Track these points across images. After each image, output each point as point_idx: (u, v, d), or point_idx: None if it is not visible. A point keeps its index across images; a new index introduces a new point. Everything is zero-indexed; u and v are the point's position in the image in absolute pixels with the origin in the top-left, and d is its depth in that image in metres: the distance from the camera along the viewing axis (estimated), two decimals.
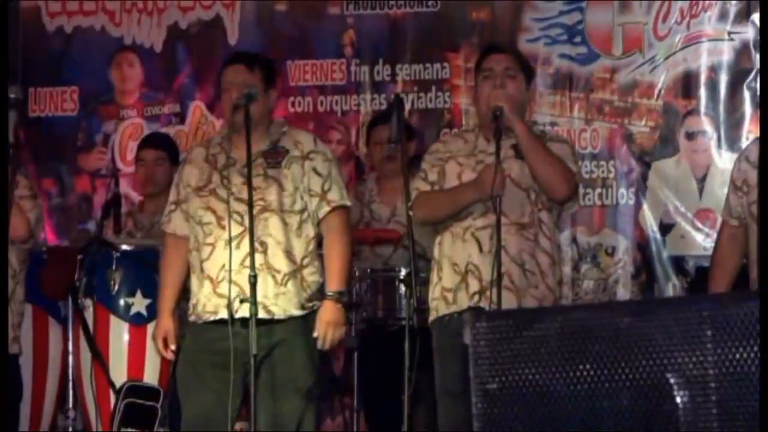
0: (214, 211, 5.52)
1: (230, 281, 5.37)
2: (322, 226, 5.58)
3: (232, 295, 5.38)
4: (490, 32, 7.55)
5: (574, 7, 7.71)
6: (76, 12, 8.21)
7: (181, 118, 8.06)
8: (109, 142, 8.15)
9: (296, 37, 8.01)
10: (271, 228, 5.46)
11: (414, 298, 5.64)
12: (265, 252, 5.43)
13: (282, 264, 5.45)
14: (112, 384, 6.40)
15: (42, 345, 6.76)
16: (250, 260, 5.25)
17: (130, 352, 6.42)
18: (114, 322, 6.44)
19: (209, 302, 5.47)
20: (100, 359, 6.42)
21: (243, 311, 5.34)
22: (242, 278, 5.34)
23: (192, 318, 5.59)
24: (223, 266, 5.43)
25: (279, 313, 5.43)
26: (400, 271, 6.14)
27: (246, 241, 5.34)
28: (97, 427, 6.49)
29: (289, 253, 5.46)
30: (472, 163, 5.46)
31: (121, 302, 6.42)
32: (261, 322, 5.32)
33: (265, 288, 5.40)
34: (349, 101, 7.93)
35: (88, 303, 6.47)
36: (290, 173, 5.53)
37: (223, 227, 5.47)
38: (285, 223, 5.48)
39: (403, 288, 6.09)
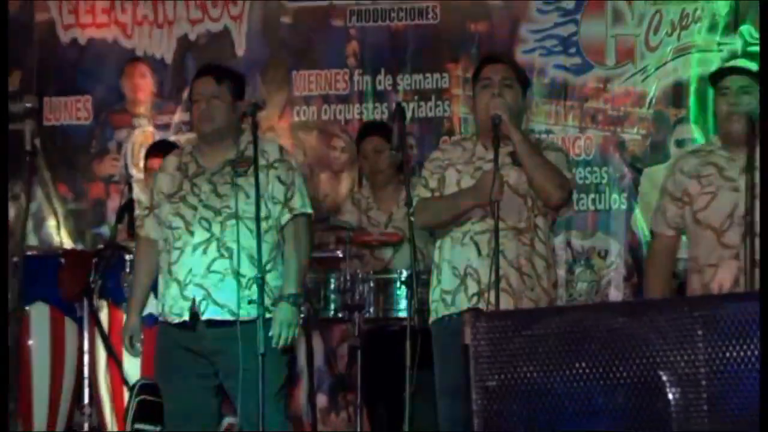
0: (182, 217, 5.50)
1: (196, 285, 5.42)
2: (283, 231, 5.56)
3: (198, 298, 5.41)
4: (487, 43, 7.51)
5: (569, 19, 7.67)
6: (90, 24, 8.18)
7: (191, 126, 8.03)
8: (122, 150, 8.11)
9: (301, 48, 7.97)
10: (238, 234, 5.44)
11: (415, 299, 5.63)
12: (230, 257, 5.43)
13: (247, 269, 5.43)
14: (125, 382, 6.42)
15: (59, 344, 6.75)
16: (258, 262, 5.25)
17: (143, 351, 6.40)
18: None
19: (176, 305, 5.47)
20: (115, 358, 6.43)
21: (208, 313, 5.40)
22: (208, 282, 5.39)
23: (160, 318, 5.61)
24: (190, 270, 5.44)
25: (244, 314, 5.39)
26: (401, 273, 6.09)
27: (212, 246, 5.40)
28: (112, 423, 6.50)
29: (253, 258, 5.41)
30: (470, 170, 5.42)
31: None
32: (225, 323, 5.38)
33: (231, 291, 5.40)
34: (352, 110, 7.88)
35: (103, 304, 6.49)
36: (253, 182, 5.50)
37: (191, 233, 5.46)
38: (250, 230, 5.43)
39: (403, 289, 6.10)
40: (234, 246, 5.42)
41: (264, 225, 5.45)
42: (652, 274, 5.52)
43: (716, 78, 5.38)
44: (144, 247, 5.77)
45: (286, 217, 5.54)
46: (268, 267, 5.45)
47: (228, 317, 5.40)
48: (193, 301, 5.42)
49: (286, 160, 5.63)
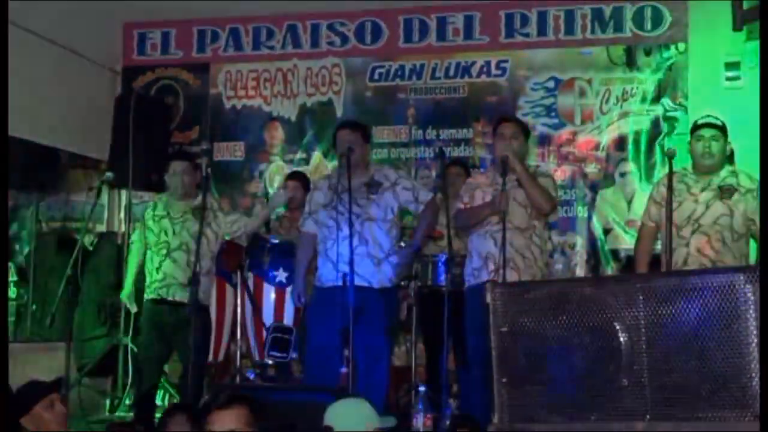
0: (334, 219, 5.47)
1: None
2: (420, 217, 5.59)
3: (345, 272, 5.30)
4: (498, 110, 7.43)
5: (550, 94, 7.61)
6: (243, 96, 8.17)
7: (307, 161, 8.04)
8: (262, 177, 8.10)
9: (378, 111, 7.92)
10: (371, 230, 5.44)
11: (450, 273, 5.59)
12: (366, 245, 5.41)
13: (377, 252, 5.42)
14: (264, 324, 6.40)
15: (221, 301, 6.68)
16: (349, 245, 5.22)
17: (275, 304, 6.41)
18: (265, 286, 6.42)
19: (329, 276, 5.44)
20: (257, 309, 6.41)
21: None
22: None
23: (317, 284, 5.55)
24: (340, 253, 5.36)
25: (375, 283, 5.39)
26: (442, 256, 6.05)
27: (355, 238, 5.29)
28: (255, 351, 6.49)
29: (380, 245, 5.42)
30: (490, 190, 5.42)
31: (270, 274, 6.39)
32: (363, 289, 5.30)
33: (367, 267, 5.37)
34: (410, 152, 7.85)
35: (249, 275, 6.46)
36: (383, 198, 5.48)
37: (341, 229, 5.39)
38: (378, 227, 5.43)
39: (443, 267, 6.07)
40: (369, 237, 5.42)
41: (390, 224, 5.47)
42: (638, 252, 5.46)
43: (694, 128, 5.32)
44: (304, 237, 5.72)
45: (420, 207, 5.55)
46: (390, 252, 5.46)
47: (365, 284, 5.36)
48: (344, 273, 5.31)
49: (402, 176, 5.65)
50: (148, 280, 6.04)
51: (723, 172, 5.20)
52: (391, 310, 5.42)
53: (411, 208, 5.57)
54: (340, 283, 5.28)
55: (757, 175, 5.01)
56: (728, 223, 5.08)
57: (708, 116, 5.31)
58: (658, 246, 5.45)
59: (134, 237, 6.34)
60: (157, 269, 5.95)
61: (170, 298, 5.90)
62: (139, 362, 6.13)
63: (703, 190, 5.15)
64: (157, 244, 5.99)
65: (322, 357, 5.36)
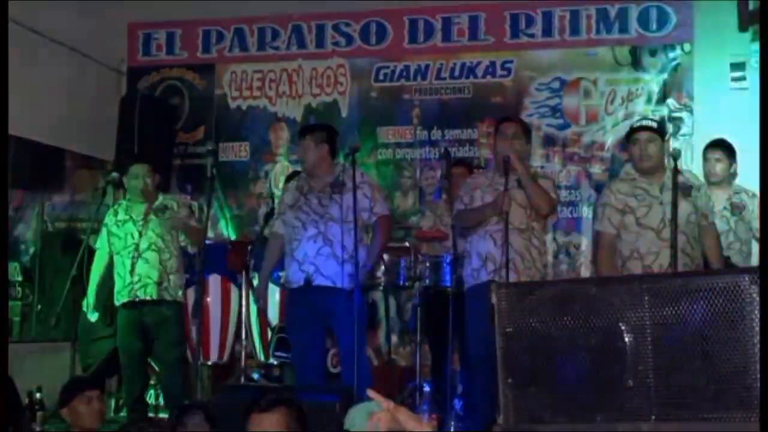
0: (300, 219, 5.50)
1: None
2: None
3: (311, 271, 5.36)
4: (503, 110, 7.41)
5: (555, 95, 7.60)
6: (248, 96, 8.17)
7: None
8: (268, 177, 8.10)
9: (383, 112, 7.92)
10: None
11: (455, 274, 5.60)
12: (331, 245, 5.39)
13: (340, 253, 5.40)
14: (269, 324, 6.41)
15: (226, 301, 6.74)
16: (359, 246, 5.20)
17: (280, 305, 6.41)
18: (270, 286, 6.39)
19: (295, 276, 5.49)
20: (262, 309, 6.39)
21: (317, 282, 5.36)
22: (318, 261, 5.38)
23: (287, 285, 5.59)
24: (306, 253, 5.40)
25: (340, 283, 5.36)
26: (447, 256, 6.04)
27: (320, 238, 5.35)
28: (260, 351, 6.49)
29: (344, 246, 5.38)
30: (490, 190, 5.39)
31: (275, 275, 6.37)
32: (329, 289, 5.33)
33: (332, 267, 5.36)
34: (415, 153, 7.82)
35: (254, 275, 6.46)
36: (344, 199, 5.45)
37: (305, 229, 5.44)
38: (341, 228, 5.40)
39: (447, 268, 6.06)
40: (332, 238, 5.40)
41: (352, 225, 5.42)
42: (601, 264, 5.29)
43: (630, 132, 5.30)
44: (273, 239, 5.76)
45: (373, 218, 5.51)
46: (354, 252, 5.43)
47: (330, 285, 5.37)
48: (307, 273, 5.39)
49: (366, 181, 5.60)
50: (119, 284, 6.05)
51: (669, 172, 5.15)
52: (357, 308, 5.30)
53: (364, 217, 5.46)
54: (303, 283, 5.33)
55: (698, 172, 5.24)
56: (696, 220, 5.10)
57: (643, 119, 5.35)
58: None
59: (98, 243, 6.29)
60: (130, 272, 5.98)
61: (148, 298, 5.96)
62: (124, 366, 6.13)
63: (661, 191, 5.12)
64: (125, 248, 6.03)
65: (311, 354, 5.45)
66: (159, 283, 5.96)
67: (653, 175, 5.15)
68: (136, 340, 6.00)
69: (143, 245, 5.99)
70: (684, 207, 5.04)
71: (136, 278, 5.96)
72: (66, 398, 4.40)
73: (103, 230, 6.23)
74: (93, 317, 6.17)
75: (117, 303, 6.07)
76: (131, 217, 6.09)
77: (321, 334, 5.51)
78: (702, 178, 5.56)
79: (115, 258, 6.08)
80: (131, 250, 6.00)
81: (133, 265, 5.97)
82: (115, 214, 6.18)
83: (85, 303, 6.17)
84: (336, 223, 5.40)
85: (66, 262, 6.79)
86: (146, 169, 6.16)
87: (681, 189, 5.03)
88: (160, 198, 6.17)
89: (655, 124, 5.25)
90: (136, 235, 6.02)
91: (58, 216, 7.70)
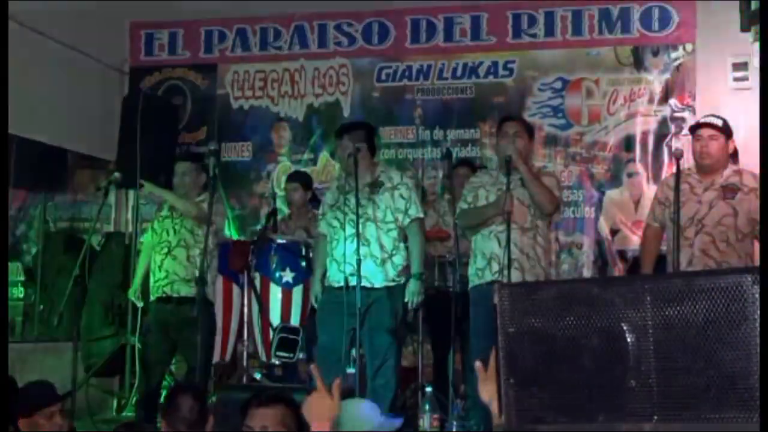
0: (339, 219, 5.47)
1: None
2: (407, 230, 5.47)
3: (348, 272, 5.30)
4: (505, 110, 7.41)
5: (557, 95, 7.61)
6: (251, 96, 8.17)
7: (314, 162, 8.04)
8: (270, 177, 8.10)
9: (385, 112, 7.92)
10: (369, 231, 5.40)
11: (458, 274, 5.58)
12: (368, 245, 5.36)
13: (378, 253, 5.39)
14: (270, 324, 6.40)
15: (228, 301, 6.73)
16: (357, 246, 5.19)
17: (282, 304, 6.41)
18: (272, 286, 6.43)
19: (335, 275, 5.45)
20: (264, 309, 6.41)
21: (354, 281, 5.28)
22: (354, 261, 5.27)
23: (326, 283, 5.53)
24: (344, 253, 5.35)
25: (377, 283, 5.35)
26: (449, 256, 6.04)
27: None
28: (262, 351, 6.48)
29: (382, 246, 5.38)
30: (494, 190, 5.38)
31: (277, 274, 6.40)
32: (365, 288, 5.27)
33: (369, 267, 5.33)
34: (418, 152, 7.82)
35: (256, 275, 6.48)
36: (383, 198, 5.45)
37: (344, 230, 5.40)
38: (379, 228, 5.39)
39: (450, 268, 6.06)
40: (370, 238, 5.39)
41: (391, 225, 5.41)
42: (643, 252, 5.46)
43: (693, 129, 5.29)
44: (319, 239, 5.74)
45: (407, 220, 5.48)
46: (393, 252, 5.42)
47: (367, 285, 5.32)
48: (345, 274, 5.32)
49: (405, 183, 5.56)
50: (152, 280, 6.07)
51: (726, 172, 5.16)
52: (396, 310, 5.37)
53: (399, 219, 5.44)
54: (343, 283, 5.29)
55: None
56: (732, 223, 5.05)
57: (708, 116, 5.29)
58: (665, 246, 5.42)
59: (145, 237, 6.41)
60: (160, 268, 6.00)
61: (175, 295, 5.94)
62: (145, 361, 6.13)
63: (706, 190, 5.11)
64: (159, 244, 6.06)
65: (331, 357, 5.32)
66: (186, 280, 5.87)
67: (711, 173, 5.13)
68: (160, 338, 5.96)
69: (174, 242, 6.00)
70: (720, 208, 5.04)
71: (163, 274, 5.96)
72: (27, 409, 3.98)
73: (149, 226, 6.34)
74: (139, 303, 6.29)
75: (152, 298, 6.07)
76: (171, 215, 6.10)
77: (349, 336, 5.36)
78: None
79: (152, 254, 6.11)
80: (164, 246, 6.02)
81: (162, 261, 5.98)
82: (159, 209, 6.23)
83: (131, 291, 6.28)
84: (373, 222, 5.38)
85: (68, 261, 6.79)
86: (187, 167, 6.16)
87: (725, 189, 5.03)
88: (202, 196, 6.06)
89: (720, 122, 5.19)
90: (171, 232, 6.03)
91: (60, 216, 7.71)
